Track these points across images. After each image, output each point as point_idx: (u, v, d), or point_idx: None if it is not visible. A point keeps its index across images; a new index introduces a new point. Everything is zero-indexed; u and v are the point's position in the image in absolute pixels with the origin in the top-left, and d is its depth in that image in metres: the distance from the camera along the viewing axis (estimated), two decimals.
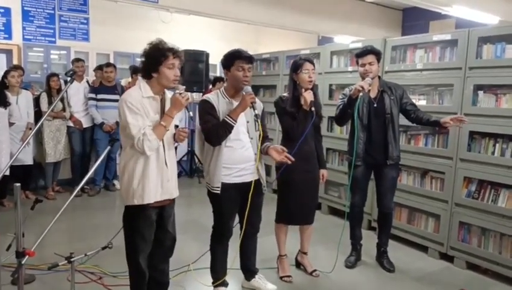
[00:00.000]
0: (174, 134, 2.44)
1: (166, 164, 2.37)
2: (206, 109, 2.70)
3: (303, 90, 3.10)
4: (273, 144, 2.92)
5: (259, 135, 2.79)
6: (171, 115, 2.29)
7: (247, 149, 2.76)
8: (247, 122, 2.77)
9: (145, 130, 2.22)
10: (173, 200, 2.51)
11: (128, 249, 2.42)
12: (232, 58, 2.69)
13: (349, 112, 3.34)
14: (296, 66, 3.13)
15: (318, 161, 3.29)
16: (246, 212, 2.72)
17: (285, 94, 3.26)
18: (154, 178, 2.32)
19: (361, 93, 3.21)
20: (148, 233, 2.39)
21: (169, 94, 2.43)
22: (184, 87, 2.35)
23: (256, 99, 2.79)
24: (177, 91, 2.30)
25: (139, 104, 2.25)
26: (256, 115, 2.73)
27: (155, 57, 2.26)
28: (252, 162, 2.78)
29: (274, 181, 3.31)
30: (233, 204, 2.79)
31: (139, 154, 2.28)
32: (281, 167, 3.06)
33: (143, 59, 2.32)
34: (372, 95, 3.39)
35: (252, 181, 2.75)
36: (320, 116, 3.24)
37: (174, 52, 2.28)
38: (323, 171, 3.33)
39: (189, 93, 2.36)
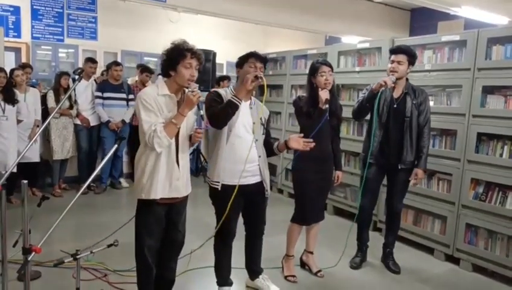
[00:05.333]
0: (191, 135, 2.46)
1: (178, 164, 2.40)
2: (214, 97, 2.71)
3: (319, 89, 3.11)
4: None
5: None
6: (182, 114, 2.30)
7: (251, 150, 2.74)
8: (253, 123, 2.76)
9: (156, 126, 2.25)
10: (184, 199, 2.52)
11: (136, 244, 2.46)
12: (247, 57, 2.74)
13: (367, 106, 3.31)
14: (313, 69, 3.15)
15: (334, 162, 3.31)
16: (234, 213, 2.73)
17: (304, 94, 3.28)
18: (163, 175, 2.35)
19: (382, 88, 3.18)
20: (155, 229, 2.42)
21: None
22: (197, 85, 2.35)
23: (263, 106, 2.81)
24: (189, 89, 2.31)
25: (153, 101, 2.29)
26: (261, 118, 2.78)
27: (173, 56, 2.31)
28: (256, 163, 2.77)
29: (279, 175, 3.32)
30: (235, 206, 2.75)
31: (151, 151, 2.33)
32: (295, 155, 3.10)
33: (164, 57, 2.36)
34: (395, 95, 3.34)
35: (254, 183, 2.76)
36: (339, 117, 3.27)
37: (193, 52, 2.31)
38: (338, 173, 3.35)
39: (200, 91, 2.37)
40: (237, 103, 2.58)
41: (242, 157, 2.68)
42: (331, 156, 3.26)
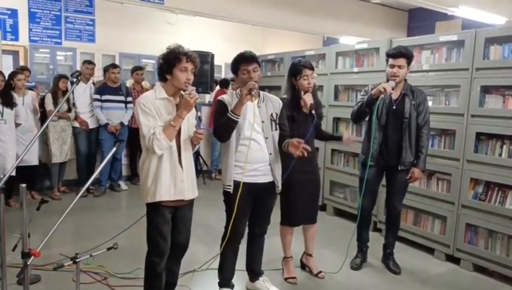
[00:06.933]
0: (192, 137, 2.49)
1: (181, 165, 2.42)
2: (219, 108, 2.74)
3: (302, 93, 3.09)
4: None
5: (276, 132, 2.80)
6: (181, 116, 2.34)
7: (262, 149, 2.73)
8: (263, 122, 2.74)
9: (155, 129, 2.29)
10: (190, 202, 2.55)
11: (148, 249, 2.48)
12: (236, 64, 2.74)
13: (366, 111, 3.30)
14: (295, 71, 3.11)
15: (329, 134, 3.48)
16: (237, 210, 2.71)
17: (285, 96, 3.23)
18: (167, 178, 2.38)
19: (382, 95, 3.18)
20: (165, 230, 2.43)
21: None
22: (194, 88, 2.38)
23: (274, 96, 2.86)
24: (186, 92, 2.34)
25: (152, 105, 2.33)
26: (271, 114, 2.78)
27: (169, 60, 2.35)
28: (266, 163, 2.76)
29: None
30: (244, 204, 2.74)
31: (153, 155, 2.35)
32: (286, 169, 3.04)
33: (160, 62, 2.41)
34: (394, 96, 3.32)
35: (264, 183, 2.75)
36: (320, 116, 3.26)
37: (188, 56, 2.35)
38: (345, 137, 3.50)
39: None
40: (235, 119, 2.60)
41: (253, 157, 2.70)
42: (316, 156, 3.28)
